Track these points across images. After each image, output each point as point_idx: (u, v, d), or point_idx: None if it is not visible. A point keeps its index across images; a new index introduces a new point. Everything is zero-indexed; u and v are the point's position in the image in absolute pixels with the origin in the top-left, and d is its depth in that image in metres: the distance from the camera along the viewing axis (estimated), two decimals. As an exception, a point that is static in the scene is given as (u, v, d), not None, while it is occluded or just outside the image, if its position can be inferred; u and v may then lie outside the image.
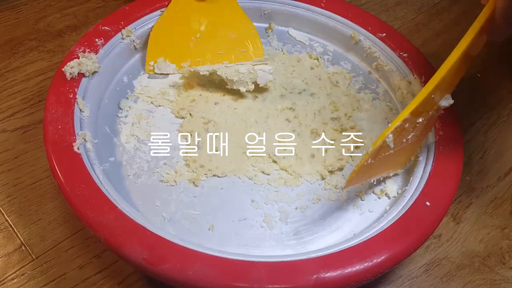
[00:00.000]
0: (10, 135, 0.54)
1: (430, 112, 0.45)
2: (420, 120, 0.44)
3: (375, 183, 0.49)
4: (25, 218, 0.47)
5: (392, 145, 0.42)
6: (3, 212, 0.48)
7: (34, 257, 0.45)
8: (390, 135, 0.42)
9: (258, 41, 0.59)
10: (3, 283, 0.43)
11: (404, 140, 0.45)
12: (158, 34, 0.57)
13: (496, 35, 0.44)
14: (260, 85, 0.55)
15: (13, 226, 0.47)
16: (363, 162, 0.42)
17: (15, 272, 0.44)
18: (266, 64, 0.55)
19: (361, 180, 0.47)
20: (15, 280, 0.44)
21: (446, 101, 0.45)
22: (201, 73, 0.53)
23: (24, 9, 0.67)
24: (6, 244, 0.46)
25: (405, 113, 0.42)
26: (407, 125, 0.43)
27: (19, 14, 0.67)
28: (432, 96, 0.43)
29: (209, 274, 0.38)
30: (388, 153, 0.44)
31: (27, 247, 0.46)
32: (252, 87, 0.54)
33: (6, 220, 0.47)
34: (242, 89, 0.54)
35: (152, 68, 0.57)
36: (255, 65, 0.55)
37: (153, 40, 0.57)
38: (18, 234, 0.46)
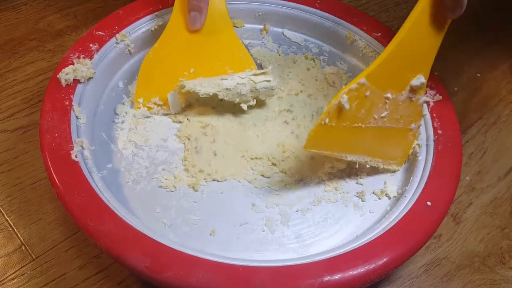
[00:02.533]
0: (10, 135, 0.53)
1: (403, 92, 0.45)
2: (389, 95, 0.44)
3: (356, 166, 0.49)
4: (25, 218, 0.47)
5: (347, 106, 0.42)
6: (3, 212, 0.48)
7: (34, 257, 0.45)
8: (345, 96, 0.42)
9: None
10: (3, 283, 0.43)
11: (376, 117, 0.44)
12: (148, 68, 0.53)
13: (449, 11, 0.44)
14: (262, 99, 0.54)
15: (13, 226, 0.47)
16: (320, 121, 0.42)
17: (15, 272, 0.44)
18: (269, 81, 0.52)
19: (326, 146, 0.46)
20: (15, 280, 0.44)
21: (418, 81, 0.45)
22: (201, 95, 0.50)
23: (24, 9, 0.67)
24: (6, 244, 0.46)
25: (360, 77, 0.42)
26: (369, 93, 0.43)
27: (19, 14, 0.66)
28: (394, 67, 0.43)
29: (212, 281, 0.38)
30: (357, 124, 0.44)
31: (27, 247, 0.46)
32: (254, 102, 0.53)
33: (6, 220, 0.47)
34: (244, 107, 0.53)
35: (140, 106, 0.53)
36: (258, 82, 0.52)
37: (143, 75, 0.53)
38: (18, 234, 0.46)
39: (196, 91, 0.50)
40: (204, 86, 0.50)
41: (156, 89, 0.53)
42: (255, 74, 0.52)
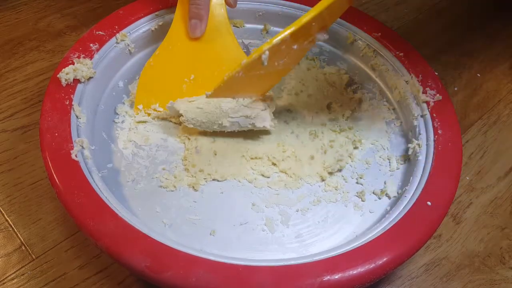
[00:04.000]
0: (10, 135, 0.54)
1: (305, 42, 0.45)
2: (295, 46, 0.44)
3: (240, 101, 0.49)
4: (25, 218, 0.48)
5: (266, 63, 0.42)
6: (3, 212, 0.48)
7: (34, 257, 0.45)
8: (267, 52, 0.41)
9: None
10: (3, 283, 0.43)
11: (276, 64, 0.45)
12: (148, 74, 0.53)
13: None
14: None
15: (13, 226, 0.47)
16: (234, 74, 0.42)
17: (15, 272, 0.44)
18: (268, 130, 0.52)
19: (227, 93, 0.47)
20: (15, 280, 0.44)
21: (322, 36, 0.45)
22: (200, 129, 0.50)
23: (24, 9, 0.67)
24: (6, 244, 0.46)
25: (286, 32, 0.42)
26: (284, 47, 0.43)
27: (19, 14, 0.66)
28: (313, 24, 0.43)
29: (212, 281, 0.38)
30: (259, 72, 0.44)
31: (27, 247, 0.46)
32: None
33: (6, 220, 0.47)
34: None
35: (141, 111, 0.53)
36: (257, 128, 0.51)
37: (143, 81, 0.53)
38: (18, 234, 0.46)
39: (195, 127, 0.50)
40: (203, 127, 0.50)
41: (156, 96, 0.53)
42: (253, 125, 0.50)
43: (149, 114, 0.53)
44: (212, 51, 0.54)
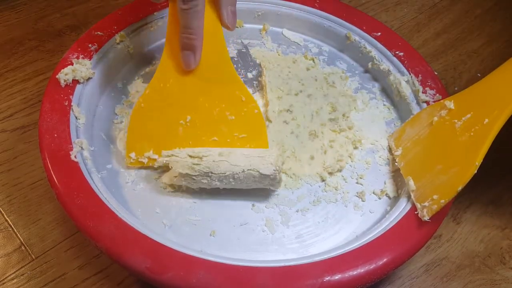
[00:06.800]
0: (10, 135, 0.53)
1: None
2: None
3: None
4: (25, 218, 0.48)
5: None
6: (3, 212, 0.48)
7: (34, 257, 0.45)
8: None
9: (261, 125, 0.49)
10: (3, 283, 0.43)
11: None
12: (139, 117, 0.47)
13: None
14: None
15: (13, 226, 0.47)
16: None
17: (15, 272, 0.44)
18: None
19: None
20: (15, 280, 0.44)
21: None
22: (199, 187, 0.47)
23: (24, 9, 0.67)
24: (6, 244, 0.46)
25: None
26: None
27: (19, 14, 0.66)
28: None
29: (213, 282, 0.38)
30: None
31: (27, 247, 0.46)
32: None
33: (6, 220, 0.47)
34: None
35: (134, 160, 0.47)
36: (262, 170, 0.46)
37: (134, 125, 0.47)
38: (18, 234, 0.47)
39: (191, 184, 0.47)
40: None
41: (150, 142, 0.47)
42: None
43: (142, 163, 0.48)
44: (208, 86, 0.48)
